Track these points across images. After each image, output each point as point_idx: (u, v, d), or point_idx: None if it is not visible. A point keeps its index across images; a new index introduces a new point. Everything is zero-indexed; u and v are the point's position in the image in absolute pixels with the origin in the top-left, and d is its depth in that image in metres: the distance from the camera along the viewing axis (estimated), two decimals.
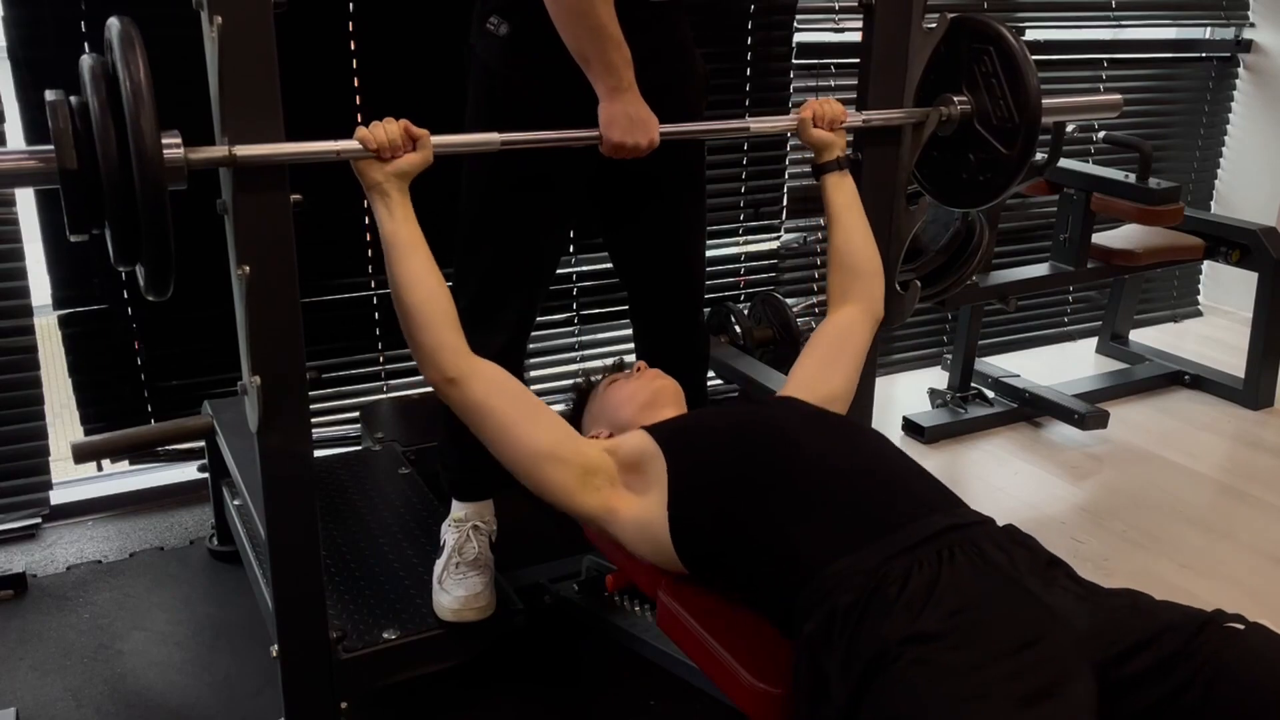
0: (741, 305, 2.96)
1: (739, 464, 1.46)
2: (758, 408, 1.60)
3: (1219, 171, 4.08)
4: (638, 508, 1.49)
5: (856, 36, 1.91)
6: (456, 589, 1.81)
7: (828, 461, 1.43)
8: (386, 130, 1.44)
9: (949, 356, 3.40)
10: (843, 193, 1.83)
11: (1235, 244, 3.26)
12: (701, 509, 1.45)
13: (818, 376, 1.72)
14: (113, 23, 1.27)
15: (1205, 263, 3.82)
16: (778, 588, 1.35)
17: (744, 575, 1.42)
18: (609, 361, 1.97)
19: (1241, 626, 1.17)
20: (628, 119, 1.59)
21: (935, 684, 1.12)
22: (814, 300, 3.15)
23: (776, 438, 1.48)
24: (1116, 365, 3.64)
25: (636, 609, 2.01)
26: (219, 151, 1.34)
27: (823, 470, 1.42)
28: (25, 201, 2.34)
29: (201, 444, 2.34)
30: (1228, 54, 3.90)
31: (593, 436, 1.66)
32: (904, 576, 1.24)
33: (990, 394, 3.24)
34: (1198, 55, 3.86)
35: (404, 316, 1.49)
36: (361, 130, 1.44)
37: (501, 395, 1.50)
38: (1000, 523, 1.39)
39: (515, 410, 1.49)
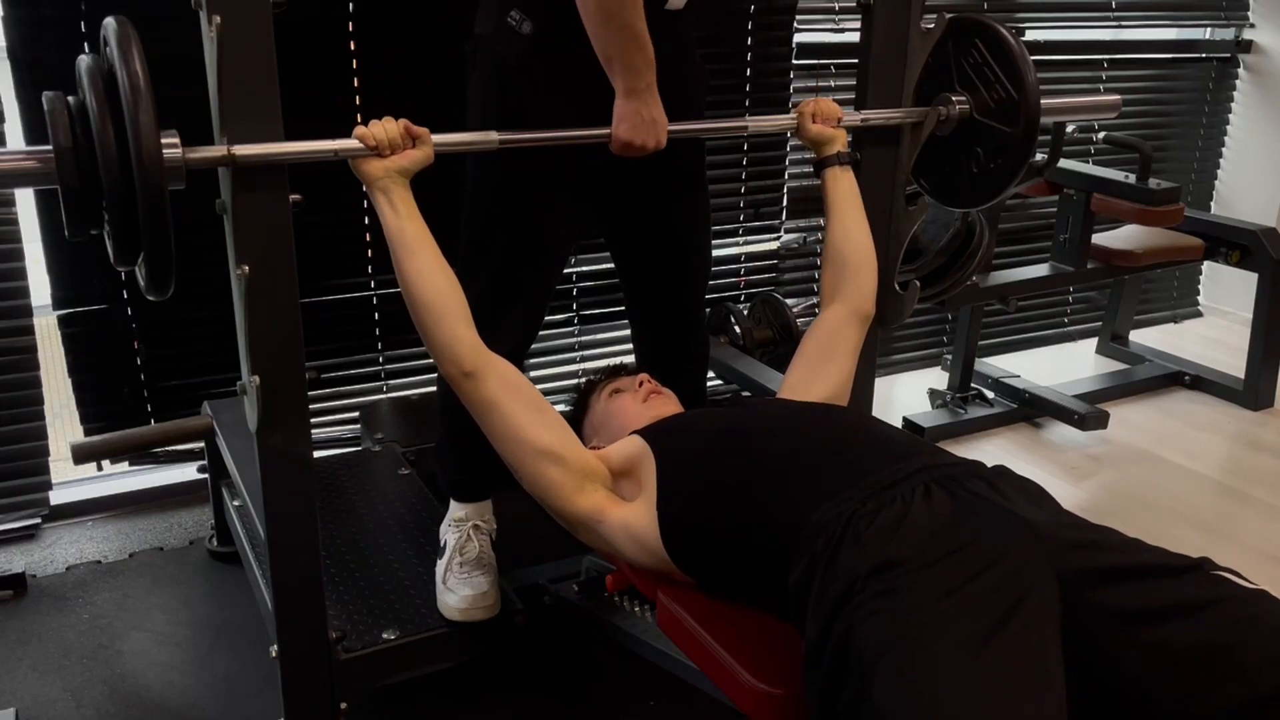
0: (741, 306, 2.97)
1: (722, 460, 1.47)
2: (744, 408, 1.62)
3: (1219, 172, 4.08)
4: (628, 511, 1.52)
5: (856, 36, 1.91)
6: (462, 588, 1.81)
7: (805, 437, 1.45)
8: (386, 128, 1.44)
9: (949, 357, 3.40)
10: (840, 187, 1.83)
11: (1235, 244, 3.26)
12: (689, 505, 1.46)
13: (808, 380, 1.73)
14: (109, 22, 1.27)
15: (1205, 263, 3.82)
16: (769, 566, 1.35)
17: (736, 566, 1.42)
18: (610, 362, 1.97)
19: (1231, 575, 1.16)
20: (639, 118, 1.60)
21: (889, 622, 1.12)
22: (814, 300, 3.13)
23: (756, 430, 1.50)
24: (1116, 366, 3.64)
25: (636, 609, 2.01)
26: (218, 151, 1.34)
27: (800, 445, 1.43)
28: (25, 201, 2.34)
29: (201, 444, 2.34)
30: (1228, 54, 3.90)
31: (590, 448, 1.66)
32: (875, 512, 1.25)
33: (990, 394, 3.24)
34: (1198, 56, 3.86)
35: (416, 312, 1.49)
36: (360, 129, 1.44)
37: (514, 392, 1.52)
38: None
39: (525, 409, 1.52)
